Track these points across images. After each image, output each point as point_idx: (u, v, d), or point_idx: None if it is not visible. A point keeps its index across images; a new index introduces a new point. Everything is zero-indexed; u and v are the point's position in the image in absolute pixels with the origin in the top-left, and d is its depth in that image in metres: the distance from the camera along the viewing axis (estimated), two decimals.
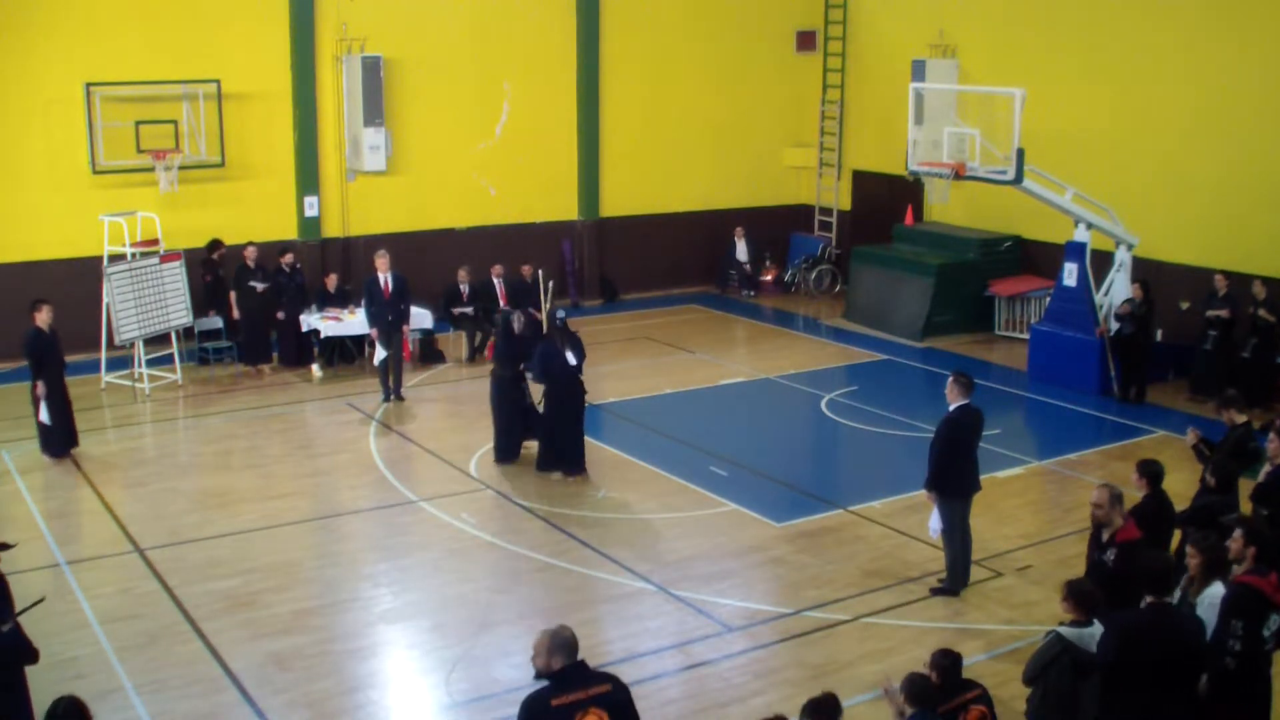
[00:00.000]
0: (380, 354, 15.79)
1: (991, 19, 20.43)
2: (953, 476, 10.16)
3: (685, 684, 9.00)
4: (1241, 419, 10.21)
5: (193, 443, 14.67)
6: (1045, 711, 7.15)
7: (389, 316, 15.70)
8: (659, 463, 13.63)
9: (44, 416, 13.38)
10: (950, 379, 10.22)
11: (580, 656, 5.79)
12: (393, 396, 15.78)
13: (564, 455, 13.08)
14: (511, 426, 13.50)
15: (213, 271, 17.60)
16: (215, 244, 17.78)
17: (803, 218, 24.11)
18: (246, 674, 9.02)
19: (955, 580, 10.40)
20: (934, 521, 10.31)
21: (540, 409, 13.29)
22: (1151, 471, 8.82)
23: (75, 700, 5.99)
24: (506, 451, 13.52)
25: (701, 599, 10.33)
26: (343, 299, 17.69)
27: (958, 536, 10.30)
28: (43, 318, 13.36)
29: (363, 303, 16.26)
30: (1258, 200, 16.74)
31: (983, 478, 12.85)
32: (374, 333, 15.84)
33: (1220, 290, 16.00)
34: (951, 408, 10.15)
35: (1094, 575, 7.86)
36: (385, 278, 15.77)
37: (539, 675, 5.74)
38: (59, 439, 13.56)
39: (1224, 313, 15.85)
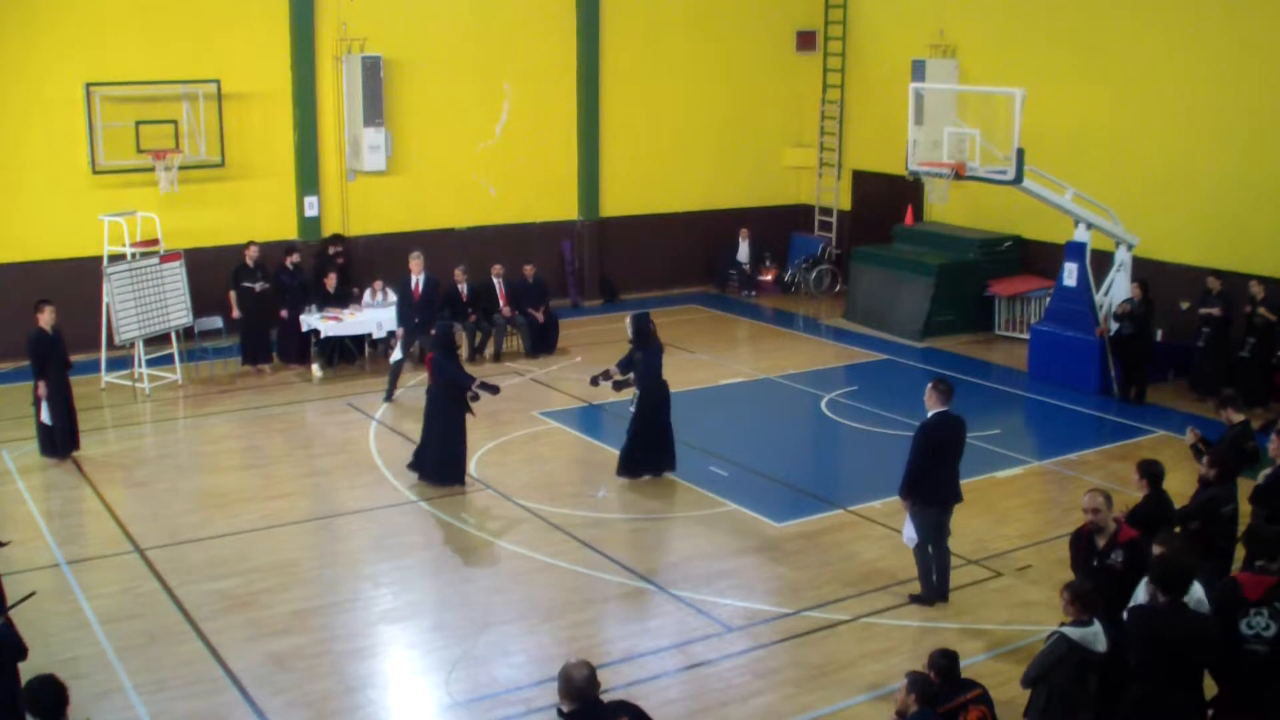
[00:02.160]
0: (396, 354, 15.85)
1: (991, 19, 20.43)
2: (926, 485, 9.89)
3: (685, 684, 9.00)
4: (1239, 418, 10.23)
5: (193, 443, 14.67)
6: (1051, 712, 7.16)
7: (415, 319, 15.81)
8: None
9: (45, 417, 13.31)
10: (929, 385, 9.99)
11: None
12: (393, 398, 15.78)
13: (664, 455, 13.10)
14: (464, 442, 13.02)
15: (332, 265, 18.18)
16: (335, 238, 18.70)
17: (803, 218, 24.12)
18: (246, 674, 9.02)
19: (928, 590, 10.17)
20: (907, 530, 10.06)
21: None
22: (1152, 472, 8.83)
23: (51, 678, 6.02)
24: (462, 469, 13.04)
25: (701, 599, 10.33)
26: (343, 299, 17.69)
27: (928, 547, 10.08)
28: (45, 318, 13.29)
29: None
30: (1257, 200, 16.74)
31: (982, 478, 12.90)
32: (399, 332, 16.01)
33: (1214, 289, 16.01)
34: (929, 414, 9.96)
35: (1096, 579, 7.83)
36: (417, 279, 15.95)
37: (560, 713, 5.76)
38: (60, 440, 13.50)
39: (1215, 310, 15.86)
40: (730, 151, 23.20)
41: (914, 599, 10.23)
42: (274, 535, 11.64)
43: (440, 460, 12.80)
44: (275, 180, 19.04)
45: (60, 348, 13.49)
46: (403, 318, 15.93)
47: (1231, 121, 17.05)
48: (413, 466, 13.07)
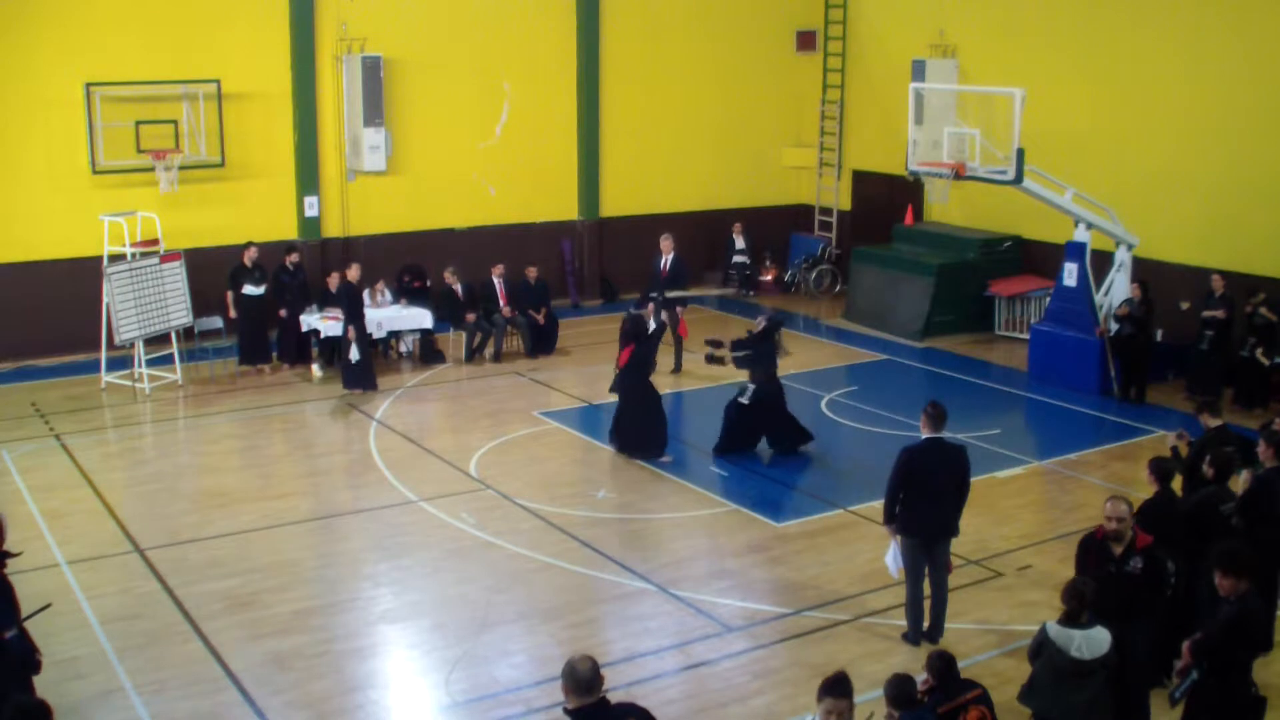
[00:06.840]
0: (652, 324, 16.40)
1: (991, 19, 20.43)
2: (903, 513, 9.36)
3: (685, 684, 9.00)
4: (1215, 422, 10.23)
5: (193, 443, 14.68)
6: (1032, 697, 7.23)
7: (660, 295, 16.84)
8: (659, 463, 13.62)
9: (354, 355, 15.68)
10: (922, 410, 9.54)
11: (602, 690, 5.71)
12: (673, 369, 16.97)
13: (796, 433, 14.07)
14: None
15: (408, 290, 18.93)
16: (413, 267, 19.23)
17: (803, 218, 24.11)
18: (246, 674, 9.02)
19: (913, 628, 9.56)
20: (890, 558, 9.56)
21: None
22: (1163, 470, 8.82)
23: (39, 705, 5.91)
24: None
25: (701, 599, 10.33)
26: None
27: (909, 580, 9.50)
28: (354, 273, 16.09)
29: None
30: (1257, 200, 16.74)
31: (982, 478, 12.87)
32: (649, 307, 16.64)
33: (1217, 291, 16.00)
34: (920, 438, 9.54)
35: (1116, 587, 7.70)
36: (666, 258, 17.43)
37: (566, 711, 5.68)
38: (363, 375, 15.98)
39: (1219, 313, 15.84)
40: (730, 151, 23.19)
41: (903, 636, 9.68)
42: (274, 535, 11.64)
43: (656, 429, 13.76)
44: (275, 180, 19.04)
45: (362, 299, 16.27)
46: (652, 290, 17.34)
47: (1231, 121, 17.05)
48: (628, 447, 13.77)
